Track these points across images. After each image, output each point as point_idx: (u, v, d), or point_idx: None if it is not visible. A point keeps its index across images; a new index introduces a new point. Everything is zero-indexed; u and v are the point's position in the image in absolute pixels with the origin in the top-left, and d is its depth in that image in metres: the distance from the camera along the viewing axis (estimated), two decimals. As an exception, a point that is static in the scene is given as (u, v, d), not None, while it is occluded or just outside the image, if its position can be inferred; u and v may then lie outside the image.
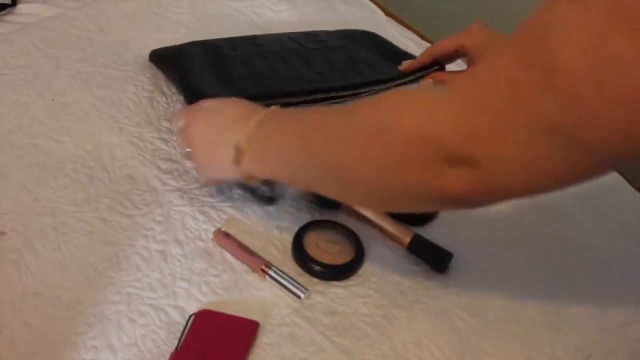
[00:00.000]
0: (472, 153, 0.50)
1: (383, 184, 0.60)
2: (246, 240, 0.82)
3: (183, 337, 0.72)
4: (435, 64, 0.96)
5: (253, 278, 0.79)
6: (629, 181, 1.03)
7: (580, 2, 0.43)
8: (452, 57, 0.95)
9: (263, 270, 0.78)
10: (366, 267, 0.82)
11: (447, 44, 0.93)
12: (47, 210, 0.81)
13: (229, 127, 0.76)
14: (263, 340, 0.73)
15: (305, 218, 0.86)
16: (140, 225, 0.82)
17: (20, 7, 1.12)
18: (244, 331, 0.73)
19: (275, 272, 0.78)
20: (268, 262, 0.79)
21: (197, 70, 0.94)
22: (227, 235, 0.81)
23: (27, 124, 0.91)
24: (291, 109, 0.80)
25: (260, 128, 0.73)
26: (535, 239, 0.90)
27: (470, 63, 0.92)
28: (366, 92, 0.93)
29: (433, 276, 0.83)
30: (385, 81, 0.96)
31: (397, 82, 0.96)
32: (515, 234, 0.90)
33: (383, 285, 0.81)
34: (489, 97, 0.49)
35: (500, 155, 0.49)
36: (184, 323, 0.73)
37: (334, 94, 0.92)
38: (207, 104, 0.81)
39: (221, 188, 0.87)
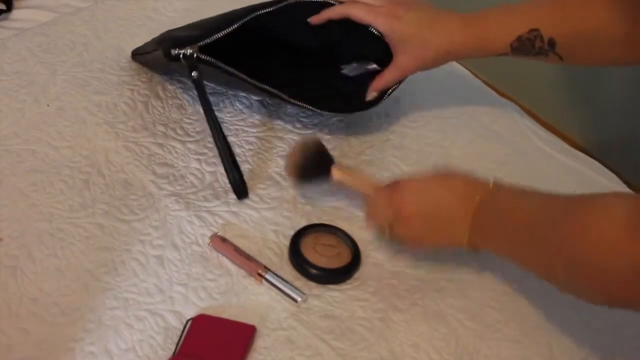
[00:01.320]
0: None
1: (599, 295, 0.66)
2: (242, 244, 0.82)
3: (180, 342, 0.72)
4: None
5: (250, 282, 0.79)
6: (626, 183, 1.04)
7: None
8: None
9: (260, 275, 0.78)
10: (363, 271, 0.83)
11: (374, 22, 0.89)
12: (44, 216, 0.81)
13: (450, 222, 0.76)
14: (260, 344, 0.73)
15: (302, 222, 0.86)
16: (137, 231, 0.82)
17: (16, 13, 1.12)
18: (241, 335, 0.73)
19: (272, 276, 0.78)
20: (264, 266, 0.79)
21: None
22: (223, 239, 0.81)
23: (23, 129, 0.91)
24: (504, 196, 0.75)
25: (481, 220, 0.74)
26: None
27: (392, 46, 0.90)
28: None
29: (430, 279, 0.83)
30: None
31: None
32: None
33: (380, 289, 0.81)
34: None
35: None
36: (181, 328, 0.73)
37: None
38: (412, 186, 0.79)
39: (217, 193, 0.87)
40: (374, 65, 0.95)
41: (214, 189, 0.88)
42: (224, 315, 0.75)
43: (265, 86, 0.89)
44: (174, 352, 0.71)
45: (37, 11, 1.13)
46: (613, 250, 0.59)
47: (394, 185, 0.79)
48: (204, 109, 0.87)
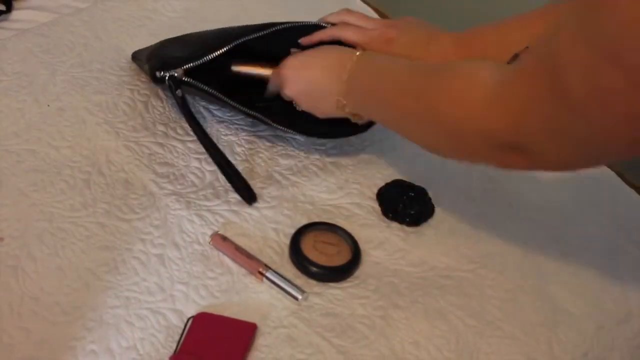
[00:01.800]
0: (523, 146, 0.60)
1: (451, 149, 0.73)
2: (243, 243, 0.82)
3: (181, 340, 0.72)
4: None
5: (250, 281, 0.79)
6: (624, 180, 1.04)
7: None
8: None
9: (260, 273, 0.78)
10: (363, 269, 0.83)
11: (366, 46, 0.89)
12: (45, 215, 0.82)
13: (324, 80, 0.83)
14: (261, 342, 0.74)
15: (302, 220, 0.86)
16: (138, 230, 0.82)
17: (16, 14, 1.12)
18: (242, 334, 0.73)
19: (273, 275, 0.79)
20: (265, 265, 0.79)
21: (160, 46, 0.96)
22: (224, 238, 0.81)
23: (23, 129, 0.91)
24: (374, 57, 0.82)
25: (353, 80, 0.80)
26: (530, 238, 0.90)
27: None
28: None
29: (430, 277, 0.83)
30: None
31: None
32: (511, 235, 0.90)
33: (380, 287, 0.81)
34: (533, 104, 0.57)
35: (545, 147, 0.59)
36: (183, 326, 0.73)
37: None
38: (295, 60, 0.86)
39: (217, 192, 0.88)
40: None
41: (214, 188, 0.88)
42: (225, 314, 0.75)
43: (251, 111, 0.89)
44: (175, 350, 0.71)
45: (37, 12, 1.13)
46: (469, 116, 0.64)
47: (281, 66, 0.87)
48: (190, 125, 0.88)
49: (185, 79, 0.86)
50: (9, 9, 1.12)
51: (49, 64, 1.01)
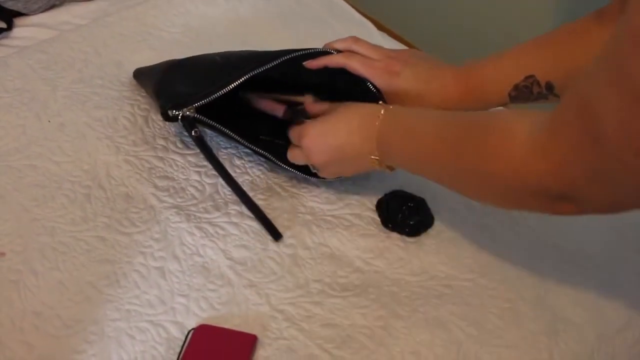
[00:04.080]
0: (569, 194, 0.60)
1: (499, 201, 0.74)
2: (244, 254, 0.83)
3: (182, 352, 0.72)
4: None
5: (250, 292, 0.79)
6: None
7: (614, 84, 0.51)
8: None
9: None
10: (363, 278, 0.83)
11: (371, 78, 0.89)
12: (46, 230, 0.82)
13: (354, 145, 0.82)
14: (261, 354, 0.74)
15: (303, 231, 0.86)
16: (138, 243, 0.82)
17: (16, 31, 1.13)
18: (242, 345, 0.74)
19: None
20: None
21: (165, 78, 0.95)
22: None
23: (24, 145, 0.92)
24: (400, 112, 0.82)
25: (384, 138, 0.80)
26: (530, 246, 0.90)
27: (388, 101, 0.89)
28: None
29: (430, 286, 0.83)
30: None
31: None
32: (511, 243, 0.90)
33: (380, 296, 0.81)
34: (572, 154, 0.57)
35: (591, 194, 0.59)
36: (183, 339, 0.74)
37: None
38: (314, 129, 0.85)
39: (217, 204, 0.88)
40: None
41: (214, 201, 0.89)
42: (226, 325, 0.75)
43: (260, 150, 0.89)
44: (176, 363, 0.71)
45: (38, 29, 1.14)
46: (510, 170, 0.64)
47: (301, 138, 0.85)
48: (212, 164, 0.88)
49: (197, 115, 0.85)
50: (9, 26, 1.13)
51: (50, 80, 1.02)
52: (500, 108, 0.88)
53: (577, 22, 0.82)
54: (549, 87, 0.82)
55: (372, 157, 0.81)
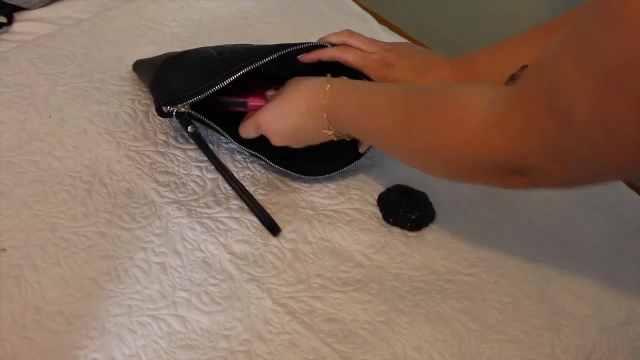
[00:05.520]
0: (523, 169, 0.59)
1: (447, 173, 0.73)
2: (245, 249, 0.83)
3: None
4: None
5: (252, 287, 0.79)
6: (626, 183, 1.04)
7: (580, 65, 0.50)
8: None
9: None
10: (365, 273, 0.83)
11: (366, 70, 0.89)
12: (47, 225, 0.82)
13: (307, 125, 0.84)
14: (263, 349, 0.74)
15: (304, 225, 0.86)
16: (139, 238, 0.82)
17: (17, 26, 1.13)
18: None
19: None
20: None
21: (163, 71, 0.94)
22: None
23: (25, 140, 0.91)
24: (347, 85, 0.82)
25: (335, 114, 0.81)
26: (532, 240, 0.90)
27: None
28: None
29: (432, 280, 0.83)
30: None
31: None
32: (512, 238, 0.90)
33: (382, 290, 0.81)
34: (533, 128, 0.56)
35: (548, 169, 0.58)
36: (185, 332, 0.74)
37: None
38: (267, 114, 0.86)
39: (218, 199, 0.88)
40: None
41: (215, 196, 0.89)
42: (227, 319, 0.75)
43: (253, 152, 0.89)
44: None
45: (38, 23, 1.14)
46: (465, 145, 0.63)
47: (258, 127, 0.87)
48: (209, 159, 0.89)
49: (191, 112, 0.86)
50: (10, 21, 1.12)
51: (50, 75, 1.02)
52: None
53: (573, 11, 0.82)
54: None
55: (326, 131, 0.83)
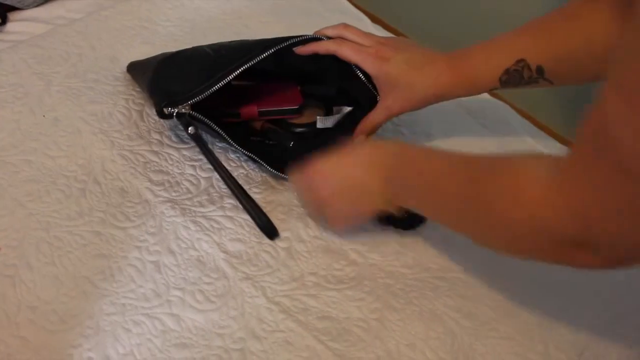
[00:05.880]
0: (589, 241, 0.56)
1: (511, 249, 0.68)
2: (239, 248, 0.83)
3: None
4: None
5: (247, 285, 0.79)
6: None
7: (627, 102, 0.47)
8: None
9: None
10: (358, 271, 0.83)
11: (362, 63, 0.89)
12: (41, 225, 0.82)
13: (364, 178, 0.79)
14: (258, 347, 0.74)
15: (298, 224, 0.87)
16: (134, 237, 0.82)
17: (10, 26, 1.13)
18: None
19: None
20: None
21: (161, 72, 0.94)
22: None
23: (19, 140, 0.92)
24: (408, 150, 0.80)
25: (394, 178, 0.76)
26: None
27: (379, 88, 0.90)
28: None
29: (425, 278, 0.84)
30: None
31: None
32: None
33: (375, 288, 0.82)
34: (600, 193, 0.53)
35: (616, 239, 0.54)
36: (180, 330, 0.74)
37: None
38: (321, 170, 0.82)
39: (212, 198, 0.88)
40: (348, 108, 0.96)
41: (209, 195, 0.89)
42: (222, 317, 0.75)
43: (251, 155, 0.89)
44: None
45: (31, 23, 1.14)
46: (528, 215, 0.60)
47: (307, 174, 0.83)
48: (209, 161, 0.89)
49: (192, 112, 0.86)
50: (3, 21, 1.12)
51: (44, 75, 1.02)
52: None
53: (568, 5, 0.82)
54: (540, 71, 0.82)
55: (381, 194, 0.78)
